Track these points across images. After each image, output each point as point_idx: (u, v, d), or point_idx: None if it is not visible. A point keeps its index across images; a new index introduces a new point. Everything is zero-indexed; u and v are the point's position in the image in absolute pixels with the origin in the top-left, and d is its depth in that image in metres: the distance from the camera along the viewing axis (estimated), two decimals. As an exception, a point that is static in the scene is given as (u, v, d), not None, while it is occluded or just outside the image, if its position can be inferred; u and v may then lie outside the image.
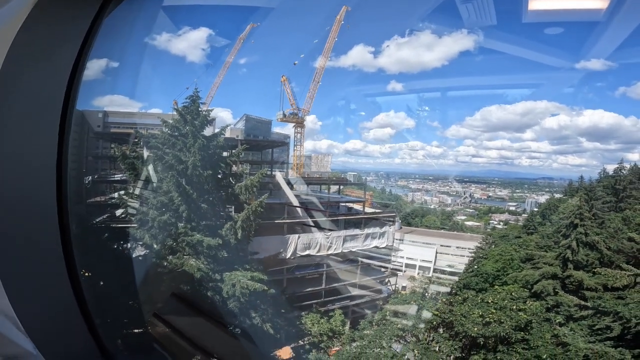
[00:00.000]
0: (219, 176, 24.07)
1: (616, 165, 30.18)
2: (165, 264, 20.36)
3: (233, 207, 24.12)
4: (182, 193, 21.08)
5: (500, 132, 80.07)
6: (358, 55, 71.00)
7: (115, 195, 21.19)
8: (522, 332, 15.71)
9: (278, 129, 44.92)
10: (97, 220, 19.73)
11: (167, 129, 20.80)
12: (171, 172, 21.41)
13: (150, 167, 21.35)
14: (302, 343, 18.30)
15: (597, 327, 16.29)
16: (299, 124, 40.91)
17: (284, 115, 40.36)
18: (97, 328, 2.07)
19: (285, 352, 17.31)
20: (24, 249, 2.03)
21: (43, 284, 2.11)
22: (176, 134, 21.15)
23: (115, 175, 24.64)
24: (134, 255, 20.05)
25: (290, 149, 42.01)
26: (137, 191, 21.56)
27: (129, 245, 19.94)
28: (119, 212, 21.06)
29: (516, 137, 77.65)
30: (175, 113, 21.04)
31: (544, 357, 13.67)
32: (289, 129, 43.25)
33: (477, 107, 78.77)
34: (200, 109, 21.14)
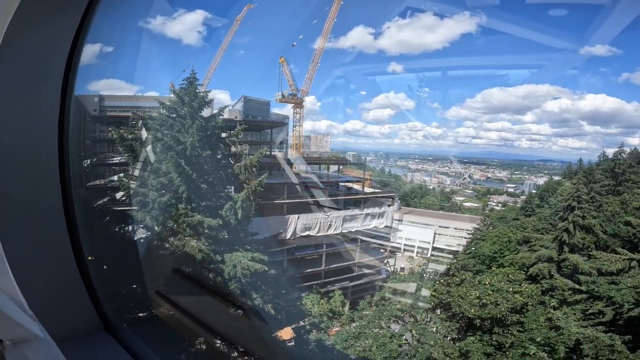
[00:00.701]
0: (218, 156, 23.95)
1: (616, 149, 30.21)
2: (167, 245, 20.57)
3: (233, 187, 24.13)
4: (182, 174, 21.01)
5: (501, 114, 79.56)
6: (358, 36, 69.51)
7: (115, 177, 21.10)
8: (518, 315, 16.02)
9: (277, 110, 44.71)
10: (99, 202, 19.72)
11: (164, 111, 20.46)
12: (170, 153, 21.29)
13: (149, 149, 21.16)
14: (302, 324, 18.74)
15: (590, 311, 16.68)
16: (298, 104, 40.53)
17: (283, 96, 39.96)
18: (103, 306, 2.15)
19: (287, 332, 17.74)
20: (30, 232, 2.06)
21: (50, 266, 2.15)
22: (174, 115, 20.83)
23: (114, 158, 24.45)
24: (136, 237, 20.22)
25: (289, 129, 41.81)
26: (136, 173, 21.46)
27: (130, 227, 20.06)
28: (119, 194, 21.03)
29: (517, 119, 77.35)
30: (172, 95, 20.64)
31: (538, 340, 14.05)
32: (287, 110, 43.00)
33: (478, 88, 78.24)
34: (197, 91, 20.72)
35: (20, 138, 1.93)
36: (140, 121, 20.81)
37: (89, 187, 21.53)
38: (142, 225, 20.40)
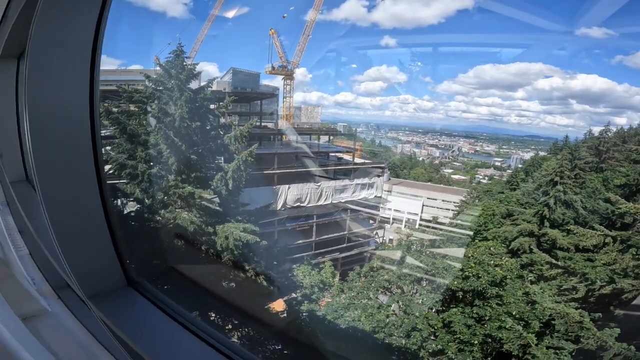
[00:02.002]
0: (208, 128, 23.62)
1: (602, 128, 30.66)
2: (159, 218, 20.72)
3: (223, 158, 24.03)
4: (171, 145, 20.78)
5: (492, 90, 79.91)
6: (351, 8, 67.17)
7: (102, 150, 20.65)
8: (497, 288, 16.81)
9: (267, 81, 43.88)
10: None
11: (151, 84, 19.78)
12: (158, 125, 20.91)
13: (135, 121, 20.70)
14: (294, 295, 19.47)
15: (564, 287, 17.67)
16: (288, 76, 39.70)
17: (273, 67, 39.14)
18: (124, 262, 2.31)
19: (279, 304, 18.45)
20: (70, 202, 2.16)
21: (84, 225, 2.26)
22: (161, 88, 20.21)
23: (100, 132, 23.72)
24: (129, 210, 20.36)
25: (280, 101, 41.17)
26: (123, 146, 21.07)
27: (120, 199, 20.12)
28: (106, 167, 20.77)
29: (507, 96, 78.00)
30: (158, 68, 19.95)
31: (514, 313, 14.96)
32: (278, 82, 42.13)
33: (471, 64, 78.27)
34: (185, 63, 19.99)
35: (58, 112, 1.98)
36: (126, 94, 20.12)
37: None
38: (131, 198, 20.43)
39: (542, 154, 40.76)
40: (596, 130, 32.10)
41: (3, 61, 3.74)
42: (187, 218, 20.84)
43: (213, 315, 14.87)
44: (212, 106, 23.51)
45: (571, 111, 71.79)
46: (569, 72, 63.49)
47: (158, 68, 20.14)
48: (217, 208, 21.97)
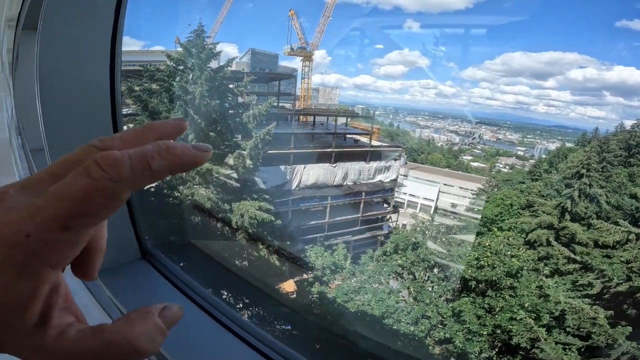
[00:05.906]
0: (227, 106, 23.85)
1: (635, 121, 29.10)
2: (177, 194, 21.27)
3: (240, 136, 24.30)
4: (190, 122, 21.14)
5: (520, 78, 76.66)
6: None
7: (125, 128, 21.14)
8: (512, 279, 16.64)
9: (286, 63, 43.42)
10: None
11: (172, 63, 19.94)
12: (178, 102, 21.26)
13: (157, 99, 21.05)
14: (305, 277, 19.79)
15: (579, 282, 17.28)
16: (307, 57, 39.12)
17: (292, 49, 38.57)
18: (139, 234, 2.28)
19: (289, 285, 18.80)
20: None
21: None
22: (181, 67, 20.43)
23: (122, 110, 24.24)
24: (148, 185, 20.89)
25: (298, 82, 40.78)
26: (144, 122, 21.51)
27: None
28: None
29: (536, 84, 74.17)
30: (179, 48, 20.11)
31: (526, 306, 14.83)
32: (296, 63, 41.79)
33: (499, 52, 74.77)
34: (205, 43, 20.00)
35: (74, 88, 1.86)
36: (148, 73, 20.38)
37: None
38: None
39: (568, 145, 39.20)
40: (628, 123, 30.70)
41: (25, 32, 3.61)
42: (204, 194, 21.39)
43: (225, 292, 15.34)
44: (231, 85, 23.62)
45: (604, 103, 68.41)
46: (606, 64, 60.45)
47: (179, 48, 20.25)
48: (235, 184, 22.40)
